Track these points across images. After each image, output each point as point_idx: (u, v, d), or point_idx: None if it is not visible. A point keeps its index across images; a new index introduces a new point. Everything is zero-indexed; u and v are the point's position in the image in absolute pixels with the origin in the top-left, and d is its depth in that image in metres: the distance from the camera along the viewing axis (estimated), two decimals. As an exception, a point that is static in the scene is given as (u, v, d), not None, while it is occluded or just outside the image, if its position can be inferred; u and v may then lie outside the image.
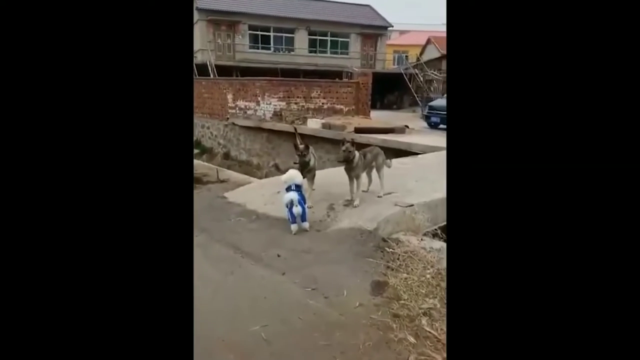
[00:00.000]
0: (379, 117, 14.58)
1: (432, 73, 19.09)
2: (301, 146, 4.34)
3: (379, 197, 4.44)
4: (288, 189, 3.71)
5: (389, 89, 23.06)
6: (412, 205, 4.08)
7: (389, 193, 4.57)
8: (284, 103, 13.56)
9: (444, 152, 8.14)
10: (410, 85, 21.97)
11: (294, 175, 3.83)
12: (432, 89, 18.16)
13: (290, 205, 3.58)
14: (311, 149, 4.38)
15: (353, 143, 4.13)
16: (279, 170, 12.49)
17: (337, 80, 15.76)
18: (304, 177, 4.03)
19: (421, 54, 29.50)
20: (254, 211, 4.20)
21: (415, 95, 21.34)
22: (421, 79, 20.99)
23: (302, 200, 3.67)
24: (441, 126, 12.88)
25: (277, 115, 13.38)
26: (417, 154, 8.85)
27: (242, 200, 4.39)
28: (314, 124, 11.93)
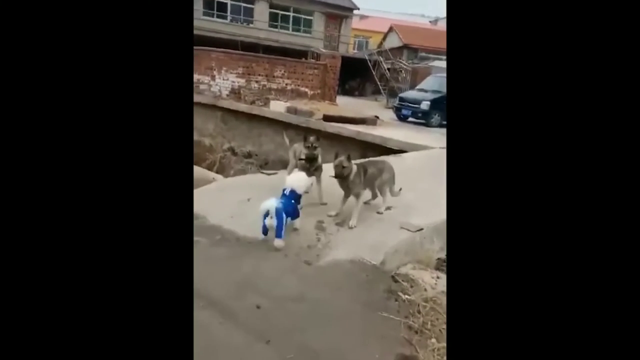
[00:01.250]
0: (342, 104, 13.72)
1: (400, 62, 18.42)
2: (311, 137, 3.57)
3: (379, 212, 3.57)
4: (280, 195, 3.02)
5: (351, 75, 22.16)
6: (421, 229, 3.25)
7: (388, 208, 3.71)
8: (243, 80, 12.26)
9: (428, 152, 7.49)
10: (374, 73, 21.23)
11: (297, 179, 3.15)
12: (399, 79, 17.51)
13: (266, 214, 2.85)
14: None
15: (349, 157, 3.34)
16: (235, 155, 11.30)
17: (303, 60, 14.60)
18: (310, 176, 3.40)
19: (383, 41, 28.89)
20: (217, 228, 3.16)
21: (379, 84, 20.64)
22: (385, 67, 20.30)
23: (289, 212, 2.93)
24: (410, 119, 12.27)
25: (235, 94, 12.08)
26: (393, 150, 8.12)
27: (200, 210, 3.31)
28: (277, 107, 10.82)
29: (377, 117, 10.67)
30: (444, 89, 12.23)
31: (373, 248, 2.93)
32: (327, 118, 9.57)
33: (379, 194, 3.71)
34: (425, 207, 3.81)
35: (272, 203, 2.84)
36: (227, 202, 3.61)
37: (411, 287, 2.63)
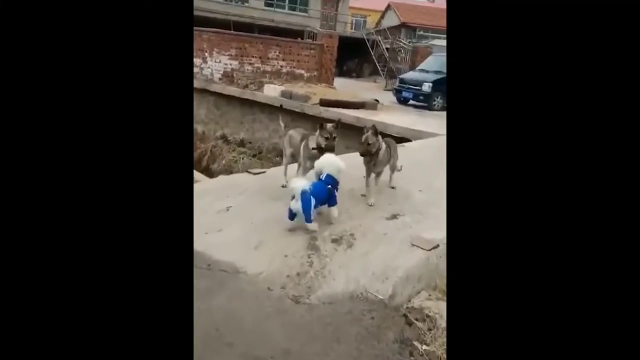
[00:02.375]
0: (339, 86, 12.99)
1: (400, 41, 17.57)
2: (329, 126, 3.15)
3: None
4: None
5: (348, 55, 21.26)
6: (437, 246, 2.67)
7: (395, 217, 3.13)
8: (236, 62, 11.52)
9: (436, 141, 6.86)
10: (372, 53, 20.36)
11: (328, 162, 2.81)
12: (399, 59, 16.69)
13: (293, 197, 2.63)
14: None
15: (376, 131, 3.16)
16: (227, 143, 10.64)
17: (298, 40, 13.77)
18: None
19: (381, 19, 27.86)
20: (201, 255, 2.56)
21: (377, 64, 19.81)
22: (383, 46, 19.43)
23: (319, 197, 2.65)
24: (411, 102, 11.60)
25: (228, 77, 11.36)
26: (395, 138, 7.49)
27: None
28: (271, 91, 10.12)
29: (377, 100, 10.00)
30: (446, 69, 11.53)
31: (379, 274, 2.35)
32: (324, 103, 8.90)
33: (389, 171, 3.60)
34: (441, 212, 3.22)
35: (300, 185, 2.58)
36: (204, 212, 3.01)
37: (429, 330, 2.07)
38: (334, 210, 2.87)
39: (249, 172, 3.89)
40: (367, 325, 2.02)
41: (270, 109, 9.72)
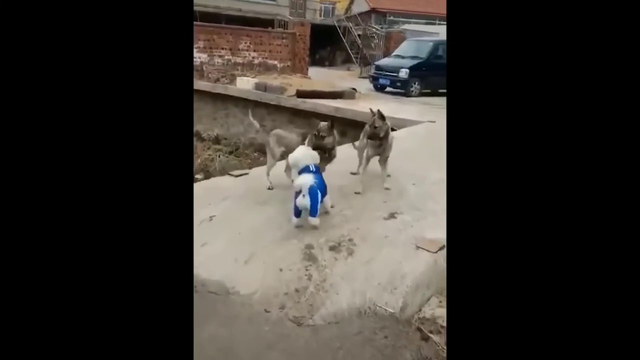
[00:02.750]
0: (313, 76, 12.67)
1: (372, 27, 17.31)
2: (322, 124, 3.03)
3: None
4: (302, 171, 2.67)
5: (320, 44, 20.86)
6: (443, 247, 2.46)
7: (393, 215, 2.91)
8: (205, 55, 11.03)
9: (423, 128, 6.71)
10: (344, 40, 20.04)
11: (302, 154, 2.74)
12: (372, 45, 16.45)
13: (298, 193, 2.56)
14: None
15: (382, 115, 3.24)
16: (202, 140, 10.20)
17: (269, 29, 13.31)
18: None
19: (350, 5, 27.51)
20: None
21: (350, 52, 19.52)
22: (355, 33, 19.14)
23: (320, 187, 2.59)
24: (389, 89, 11.41)
25: (197, 71, 10.85)
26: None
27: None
28: (244, 84, 9.72)
29: (354, 89, 9.76)
30: (422, 54, 11.39)
31: (386, 284, 2.13)
32: (301, 94, 8.59)
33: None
34: (439, 208, 3.02)
35: (308, 180, 2.53)
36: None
37: (446, 344, 1.86)
38: (328, 200, 2.80)
39: (231, 175, 3.59)
40: (381, 346, 1.79)
41: (245, 103, 9.34)
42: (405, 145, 5.15)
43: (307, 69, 13.06)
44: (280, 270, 2.23)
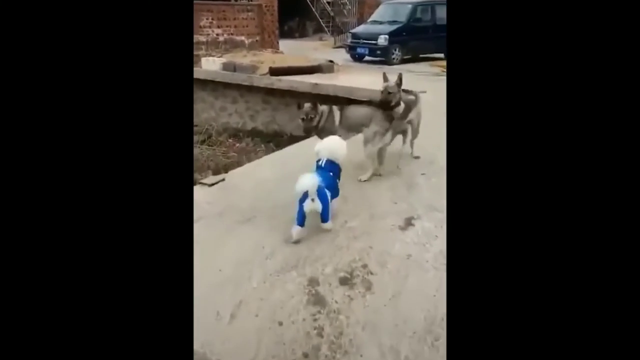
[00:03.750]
0: (285, 50, 11.80)
1: (342, -8, 16.36)
2: (306, 106, 2.96)
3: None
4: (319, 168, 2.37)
5: (287, 14, 19.73)
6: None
7: (410, 222, 2.35)
8: (164, 36, 9.99)
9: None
10: (314, 9, 18.97)
11: (326, 146, 2.45)
12: (345, 12, 15.52)
13: (303, 197, 2.13)
14: (324, 108, 3.02)
15: (400, 80, 3.02)
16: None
17: (232, 2, 12.24)
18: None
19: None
20: None
21: (321, 21, 18.51)
22: (324, 0, 18.10)
23: (331, 189, 2.21)
24: (368, 58, 10.70)
25: (158, 54, 9.86)
26: (364, 102, 6.65)
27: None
28: (211, 65, 8.86)
29: (332, 61, 9.02)
30: (401, 18, 10.66)
31: (423, 333, 1.58)
32: (275, 71, 7.83)
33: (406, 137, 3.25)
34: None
35: (312, 181, 2.09)
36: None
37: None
38: (335, 203, 2.34)
39: (203, 184, 2.93)
40: None
41: (213, 85, 8.52)
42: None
43: (278, 43, 12.16)
44: (280, 324, 1.65)
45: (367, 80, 7.35)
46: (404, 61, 10.32)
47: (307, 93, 7.51)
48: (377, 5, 12.63)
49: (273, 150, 7.99)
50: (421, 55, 10.93)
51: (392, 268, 1.95)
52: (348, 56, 11.21)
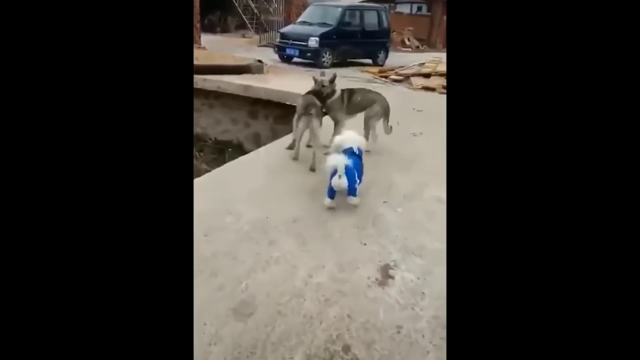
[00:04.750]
0: (209, 47, 10.91)
1: (268, -11, 15.67)
2: (321, 78, 3.44)
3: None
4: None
5: (208, 7, 18.56)
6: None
7: (389, 273, 1.93)
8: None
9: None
10: (236, 4, 18.06)
11: (347, 138, 2.73)
12: (271, 10, 14.88)
13: (333, 173, 2.43)
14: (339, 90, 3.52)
15: (334, 77, 3.56)
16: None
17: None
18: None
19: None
20: None
21: (244, 17, 17.68)
22: (247, -5, 17.31)
23: (356, 169, 2.51)
24: (297, 60, 10.25)
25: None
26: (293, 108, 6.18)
27: None
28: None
29: (260, 61, 8.42)
30: (331, 21, 10.37)
31: None
32: (199, 70, 7.03)
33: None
34: (441, 245, 2.11)
35: (341, 160, 2.43)
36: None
37: None
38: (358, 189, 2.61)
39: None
40: None
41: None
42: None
43: (200, 38, 11.21)
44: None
45: (300, 84, 6.86)
46: (334, 65, 10.05)
47: (237, 96, 6.86)
48: (304, 6, 12.25)
49: (196, 158, 7.18)
50: (349, 60, 10.78)
51: (381, 350, 1.50)
52: (276, 56, 10.65)
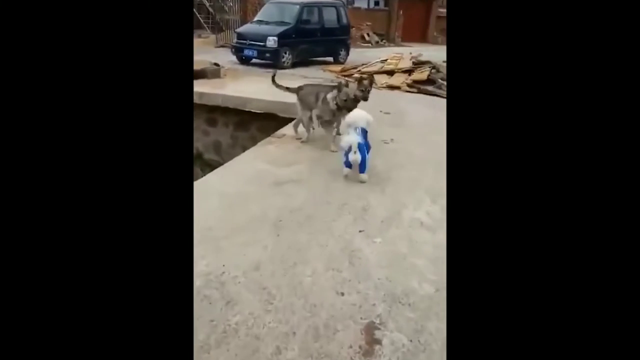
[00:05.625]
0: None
1: (222, -13, 15.01)
2: (365, 81, 3.60)
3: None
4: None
5: (161, 6, 17.64)
6: None
7: (376, 339, 1.58)
8: None
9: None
10: (190, 3, 17.25)
11: (358, 116, 3.21)
12: (226, 9, 14.23)
13: (348, 150, 2.95)
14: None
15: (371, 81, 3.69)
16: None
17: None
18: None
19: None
20: None
21: (199, 16, 16.94)
22: (201, -6, 16.58)
23: (365, 147, 3.02)
24: (256, 60, 9.77)
25: None
26: (261, 115, 5.74)
27: None
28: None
29: (217, 64, 7.92)
30: (289, 19, 9.94)
31: None
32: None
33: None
34: (436, 288, 1.79)
35: (355, 138, 2.93)
36: None
37: None
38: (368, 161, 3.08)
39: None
40: None
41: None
42: (300, 155, 3.79)
43: (150, 40, 10.50)
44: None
45: (259, 87, 6.42)
46: (294, 65, 9.65)
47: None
48: (260, 4, 11.75)
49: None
50: (310, 59, 10.41)
51: None
52: (234, 58, 10.12)
